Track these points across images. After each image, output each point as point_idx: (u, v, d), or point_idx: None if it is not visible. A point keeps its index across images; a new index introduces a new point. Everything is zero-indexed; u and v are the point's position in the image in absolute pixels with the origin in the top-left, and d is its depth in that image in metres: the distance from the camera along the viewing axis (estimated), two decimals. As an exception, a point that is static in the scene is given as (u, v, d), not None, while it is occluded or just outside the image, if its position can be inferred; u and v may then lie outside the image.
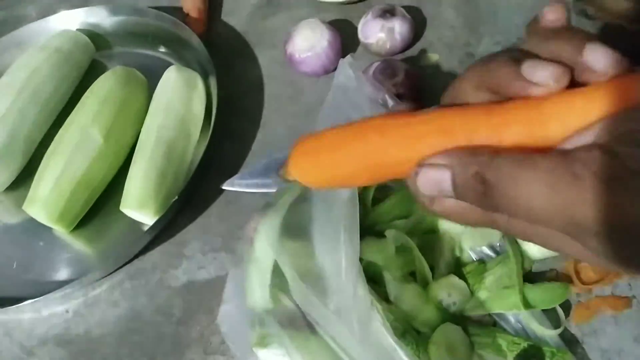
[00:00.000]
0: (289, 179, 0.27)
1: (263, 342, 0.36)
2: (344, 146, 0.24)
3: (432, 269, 0.40)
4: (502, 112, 0.21)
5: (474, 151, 0.20)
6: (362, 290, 0.32)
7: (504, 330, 0.40)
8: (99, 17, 0.64)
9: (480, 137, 0.20)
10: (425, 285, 0.40)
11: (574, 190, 0.18)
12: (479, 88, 0.22)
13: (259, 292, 0.37)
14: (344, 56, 0.57)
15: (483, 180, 0.20)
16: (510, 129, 0.20)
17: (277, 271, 0.37)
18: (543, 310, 0.40)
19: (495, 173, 0.19)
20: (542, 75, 0.20)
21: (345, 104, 0.40)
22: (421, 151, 0.21)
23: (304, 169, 0.26)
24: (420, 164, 0.21)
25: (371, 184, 0.24)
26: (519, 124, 0.20)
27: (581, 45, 0.20)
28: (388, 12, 0.55)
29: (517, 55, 0.21)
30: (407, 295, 0.38)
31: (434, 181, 0.21)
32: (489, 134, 0.20)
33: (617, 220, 0.18)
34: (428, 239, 0.41)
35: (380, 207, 0.41)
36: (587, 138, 0.19)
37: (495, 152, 0.20)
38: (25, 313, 0.48)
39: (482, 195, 0.20)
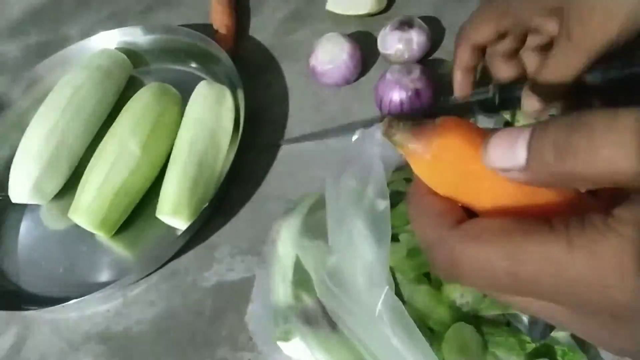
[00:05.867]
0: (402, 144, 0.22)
1: (286, 337, 0.39)
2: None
3: (446, 270, 0.42)
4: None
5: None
6: (375, 288, 0.34)
7: (517, 330, 0.41)
8: (135, 36, 0.68)
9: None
10: (439, 286, 0.41)
11: None
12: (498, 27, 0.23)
13: (282, 289, 0.40)
14: (364, 67, 0.60)
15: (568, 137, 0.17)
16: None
17: (298, 269, 0.40)
18: (556, 310, 0.41)
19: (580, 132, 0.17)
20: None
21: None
22: None
23: (453, 149, 0.21)
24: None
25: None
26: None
27: None
28: (406, 24, 0.57)
29: None
30: (419, 296, 0.40)
31: (508, 143, 0.18)
32: None
33: None
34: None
35: (394, 212, 0.43)
36: None
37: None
38: (71, 312, 0.52)
39: (559, 158, 0.17)
